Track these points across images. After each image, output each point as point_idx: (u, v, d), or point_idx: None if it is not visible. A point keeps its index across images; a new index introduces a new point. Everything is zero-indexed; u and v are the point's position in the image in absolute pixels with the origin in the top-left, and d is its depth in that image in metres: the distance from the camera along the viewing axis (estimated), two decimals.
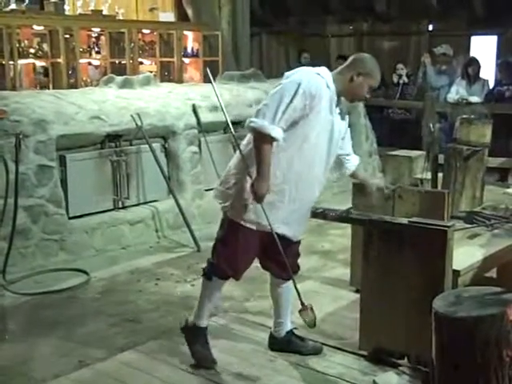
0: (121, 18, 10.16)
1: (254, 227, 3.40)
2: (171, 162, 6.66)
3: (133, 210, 6.28)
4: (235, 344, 3.92)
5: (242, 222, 3.39)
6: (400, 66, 10.32)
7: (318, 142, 3.36)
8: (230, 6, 11.10)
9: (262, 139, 3.20)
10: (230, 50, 10.96)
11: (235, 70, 9.55)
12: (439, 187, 6.46)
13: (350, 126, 3.69)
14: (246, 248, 3.45)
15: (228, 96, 7.28)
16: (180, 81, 9.75)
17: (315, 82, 3.27)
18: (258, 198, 3.25)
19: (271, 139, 3.20)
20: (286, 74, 3.39)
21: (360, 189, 3.91)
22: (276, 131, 3.18)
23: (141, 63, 10.02)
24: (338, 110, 3.42)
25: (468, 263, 3.52)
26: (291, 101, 3.20)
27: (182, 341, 3.74)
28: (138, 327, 4.27)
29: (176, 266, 5.52)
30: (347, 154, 3.70)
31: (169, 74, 10.32)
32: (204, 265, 3.66)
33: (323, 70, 3.40)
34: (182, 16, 11.24)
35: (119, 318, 4.40)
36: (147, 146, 6.22)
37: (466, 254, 3.64)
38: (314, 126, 3.30)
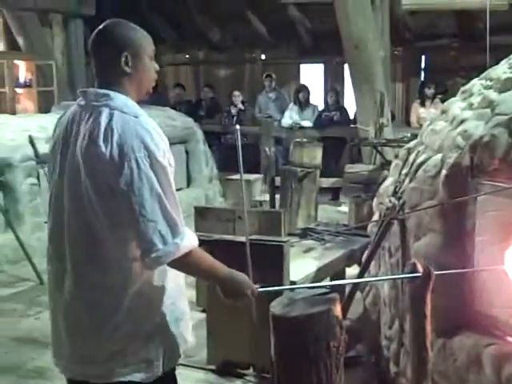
0: None
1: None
2: (8, 195, 6.46)
3: None
4: None
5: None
6: (236, 93, 10.69)
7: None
8: (62, 36, 10.97)
9: (184, 259, 2.00)
10: (65, 80, 10.81)
11: (71, 100, 9.45)
12: (277, 207, 6.79)
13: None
14: None
15: None
16: (13, 112, 9.47)
17: (158, 127, 2.04)
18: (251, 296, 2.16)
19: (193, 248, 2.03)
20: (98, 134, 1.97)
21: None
22: (187, 236, 2.00)
23: None
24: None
25: (303, 274, 3.79)
26: (163, 179, 1.96)
27: (31, 374, 3.67)
28: None
29: (18, 300, 5.37)
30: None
31: (0, 104, 9.99)
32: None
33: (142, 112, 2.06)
34: (12, 45, 10.94)
35: None
36: None
37: (301, 266, 3.92)
38: None
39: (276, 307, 2.12)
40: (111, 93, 2.05)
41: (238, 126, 3.01)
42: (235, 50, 12.75)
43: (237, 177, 6.99)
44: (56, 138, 2.18)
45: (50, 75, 10.57)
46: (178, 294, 2.18)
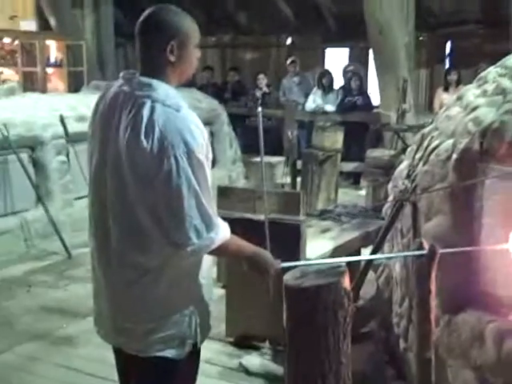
0: None
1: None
2: (39, 172, 6.68)
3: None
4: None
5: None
6: (261, 76, 10.82)
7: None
8: (93, 17, 11.18)
9: (217, 248, 2.14)
10: (94, 60, 11.02)
11: (101, 80, 9.66)
12: (298, 190, 6.93)
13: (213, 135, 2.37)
14: None
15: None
16: (44, 91, 9.72)
17: (198, 120, 2.12)
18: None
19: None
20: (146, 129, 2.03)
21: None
22: (221, 229, 2.14)
23: (1, 73, 9.89)
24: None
25: (319, 253, 3.96)
26: (199, 175, 2.06)
27: (60, 341, 3.89)
28: (12, 331, 4.37)
29: (48, 273, 5.61)
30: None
31: (32, 83, 10.25)
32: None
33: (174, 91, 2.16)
34: (44, 25, 11.16)
35: None
36: (14, 156, 6.25)
37: (317, 246, 4.08)
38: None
39: (289, 279, 2.29)
40: (154, 82, 2.10)
41: (259, 109, 3.11)
42: (261, 34, 12.86)
43: (259, 159, 7.07)
44: (98, 119, 2.23)
45: (80, 55, 10.81)
46: (210, 274, 2.35)
